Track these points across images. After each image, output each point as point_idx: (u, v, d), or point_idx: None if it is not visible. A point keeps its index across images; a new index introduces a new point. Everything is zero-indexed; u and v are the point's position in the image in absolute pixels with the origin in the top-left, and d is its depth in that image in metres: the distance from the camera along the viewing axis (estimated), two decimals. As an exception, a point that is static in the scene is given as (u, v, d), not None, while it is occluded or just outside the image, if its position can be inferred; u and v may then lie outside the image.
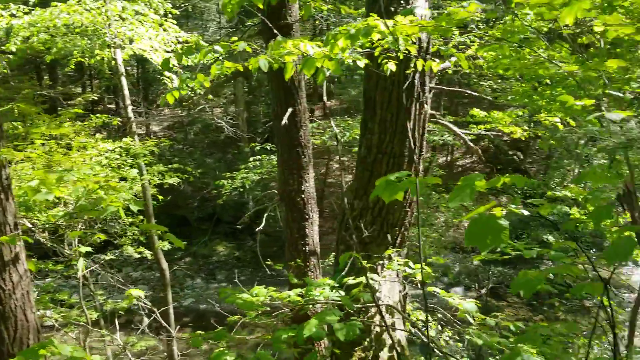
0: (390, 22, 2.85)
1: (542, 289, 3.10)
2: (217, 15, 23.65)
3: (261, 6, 3.36)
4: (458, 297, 3.80)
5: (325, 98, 5.41)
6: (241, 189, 10.51)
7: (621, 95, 2.69)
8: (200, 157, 19.86)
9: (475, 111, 11.31)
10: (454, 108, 21.14)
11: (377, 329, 4.03)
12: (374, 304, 3.85)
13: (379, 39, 3.27)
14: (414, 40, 4.04)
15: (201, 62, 4.49)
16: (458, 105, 22.04)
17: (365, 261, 4.12)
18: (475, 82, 15.32)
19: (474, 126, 12.21)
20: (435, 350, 3.82)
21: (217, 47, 3.14)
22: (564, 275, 2.97)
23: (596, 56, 4.97)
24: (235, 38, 3.43)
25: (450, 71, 6.67)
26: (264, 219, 5.77)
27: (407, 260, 4.10)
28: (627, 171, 4.86)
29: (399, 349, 3.86)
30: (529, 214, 2.17)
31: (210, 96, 14.80)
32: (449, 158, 20.58)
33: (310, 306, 3.92)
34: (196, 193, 18.94)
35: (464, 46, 7.83)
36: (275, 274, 12.20)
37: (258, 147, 10.82)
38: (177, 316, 14.90)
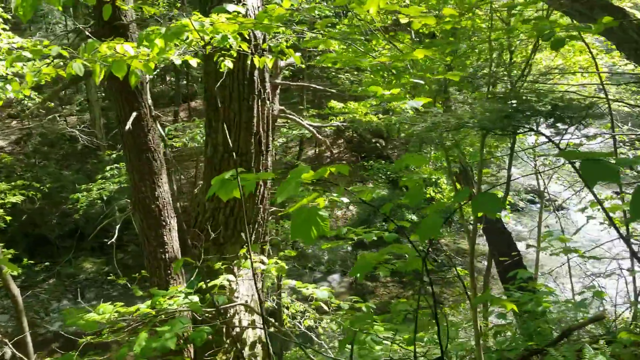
0: (207, 21, 2.81)
1: (381, 271, 3.28)
2: (64, 17, 22.00)
3: (92, 2, 3.17)
4: (313, 287, 3.90)
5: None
6: (99, 201, 9.89)
7: (422, 82, 2.92)
8: (55, 170, 18.39)
9: (333, 103, 11.69)
10: (318, 101, 21.65)
11: (238, 328, 4.01)
12: (231, 305, 3.82)
13: (212, 37, 3.22)
14: (248, 37, 4.05)
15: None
16: (322, 98, 22.62)
17: (221, 262, 4.07)
18: (333, 75, 15.82)
19: (334, 118, 12.62)
20: (305, 341, 3.89)
21: (25, 54, 2.89)
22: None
23: (432, 45, 5.36)
24: (47, 42, 3.18)
25: (301, 66, 6.79)
26: (117, 230, 5.47)
27: (262, 257, 4.12)
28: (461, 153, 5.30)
29: (259, 345, 3.88)
30: (348, 200, 2.28)
31: (52, 104, 13.70)
32: (317, 150, 21.06)
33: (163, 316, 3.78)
34: (55, 209, 17.55)
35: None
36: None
37: (114, 155, 10.25)
38: (45, 342, 13.72)
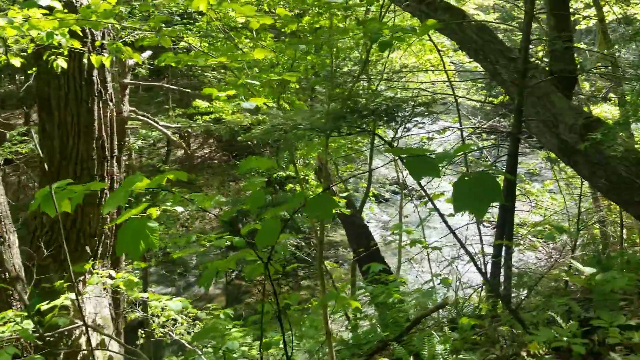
0: (19, 18, 2.51)
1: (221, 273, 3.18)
2: None
3: None
4: (166, 299, 3.71)
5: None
6: None
7: (257, 83, 2.88)
8: None
9: (199, 102, 11.33)
10: (187, 100, 20.97)
11: (85, 351, 3.69)
12: (72, 327, 3.50)
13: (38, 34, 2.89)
14: (82, 34, 3.72)
15: None
16: (191, 97, 21.92)
17: (63, 280, 3.72)
18: (200, 73, 15.35)
19: (199, 117, 12.26)
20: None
21: None
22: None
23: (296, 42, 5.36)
24: None
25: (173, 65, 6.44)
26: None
27: (110, 271, 3.83)
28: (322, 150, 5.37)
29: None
30: (182, 209, 2.16)
31: None
32: (188, 151, 20.39)
33: None
34: None
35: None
36: None
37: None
38: None
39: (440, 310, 3.70)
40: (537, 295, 3.02)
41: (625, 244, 8.63)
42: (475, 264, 2.25)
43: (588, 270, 2.43)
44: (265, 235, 1.86)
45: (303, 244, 15.12)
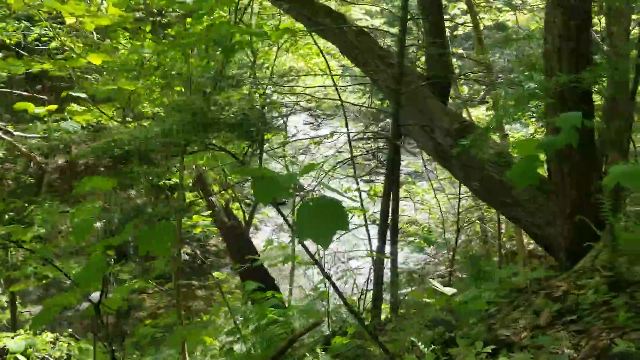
0: None
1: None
2: None
3: None
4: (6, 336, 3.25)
5: None
6: None
7: (84, 95, 2.59)
8: None
9: (73, 106, 10.49)
10: (67, 105, 19.49)
11: None
12: None
13: None
14: None
15: None
16: (70, 102, 20.44)
17: None
18: (79, 75, 14.31)
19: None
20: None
21: None
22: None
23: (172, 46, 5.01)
24: None
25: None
26: None
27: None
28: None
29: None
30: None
31: None
32: (67, 159, 18.98)
33: None
34: None
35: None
36: None
37: None
38: None
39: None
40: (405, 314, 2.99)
41: (504, 239, 9.16)
42: (334, 286, 2.12)
43: (448, 290, 2.41)
44: (88, 274, 1.58)
45: (197, 252, 14.57)
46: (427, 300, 2.42)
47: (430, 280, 2.70)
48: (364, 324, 2.08)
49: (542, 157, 2.15)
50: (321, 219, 1.38)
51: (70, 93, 5.35)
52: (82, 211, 1.93)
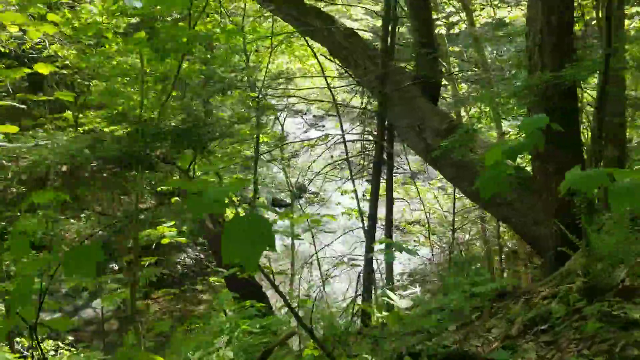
0: None
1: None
2: None
3: None
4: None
5: None
6: None
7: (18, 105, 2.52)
8: None
9: (68, 114, 10.49)
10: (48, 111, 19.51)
11: None
12: None
13: None
14: None
15: None
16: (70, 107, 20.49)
17: None
18: (79, 82, 14.34)
19: (71, 129, 11.38)
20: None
21: None
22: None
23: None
24: None
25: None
26: None
27: None
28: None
29: None
30: None
31: None
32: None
33: None
34: None
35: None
36: None
37: None
38: None
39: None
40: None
41: (505, 237, 9.01)
42: (291, 309, 2.02)
43: (402, 304, 2.31)
44: (19, 297, 1.49)
45: (202, 256, 14.50)
46: (379, 314, 2.32)
47: (387, 290, 2.61)
48: (311, 331, 1.99)
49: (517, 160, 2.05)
50: (247, 239, 1.29)
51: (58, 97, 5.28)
52: (19, 226, 1.85)
